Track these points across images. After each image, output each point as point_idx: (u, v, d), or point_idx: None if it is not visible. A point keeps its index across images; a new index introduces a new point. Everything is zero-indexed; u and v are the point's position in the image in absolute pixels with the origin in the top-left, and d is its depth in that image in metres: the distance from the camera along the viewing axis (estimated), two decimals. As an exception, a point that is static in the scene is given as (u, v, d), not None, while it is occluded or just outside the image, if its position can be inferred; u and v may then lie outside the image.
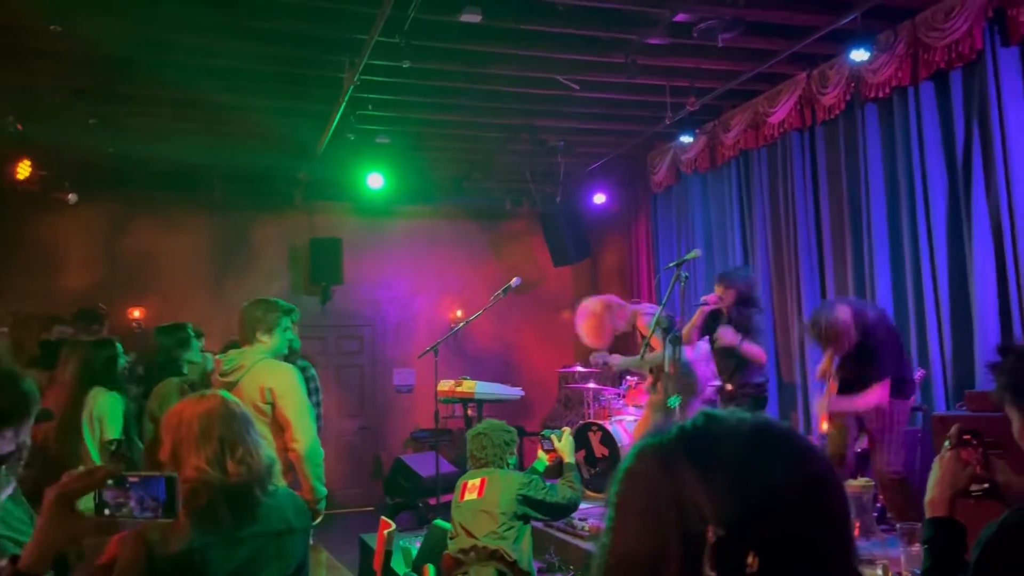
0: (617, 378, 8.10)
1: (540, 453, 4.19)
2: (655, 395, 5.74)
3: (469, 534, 3.67)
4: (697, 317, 5.74)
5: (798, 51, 5.81)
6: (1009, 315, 4.95)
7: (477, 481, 3.82)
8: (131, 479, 1.58)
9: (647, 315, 5.78)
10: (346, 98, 6.06)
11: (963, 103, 5.31)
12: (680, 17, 5.32)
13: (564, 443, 4.11)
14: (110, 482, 1.57)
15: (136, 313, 8.59)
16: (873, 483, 4.45)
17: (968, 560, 1.67)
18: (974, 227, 5.17)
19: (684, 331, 5.55)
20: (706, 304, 5.67)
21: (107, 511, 1.57)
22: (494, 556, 3.61)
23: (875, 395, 4.59)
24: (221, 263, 9.10)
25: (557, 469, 4.16)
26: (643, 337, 5.51)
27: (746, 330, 5.51)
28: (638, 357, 5.70)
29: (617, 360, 6.36)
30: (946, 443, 1.98)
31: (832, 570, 0.74)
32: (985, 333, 5.05)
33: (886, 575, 2.76)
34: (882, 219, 5.95)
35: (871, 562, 3.23)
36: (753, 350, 5.48)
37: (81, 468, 1.61)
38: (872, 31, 5.43)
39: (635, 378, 7.36)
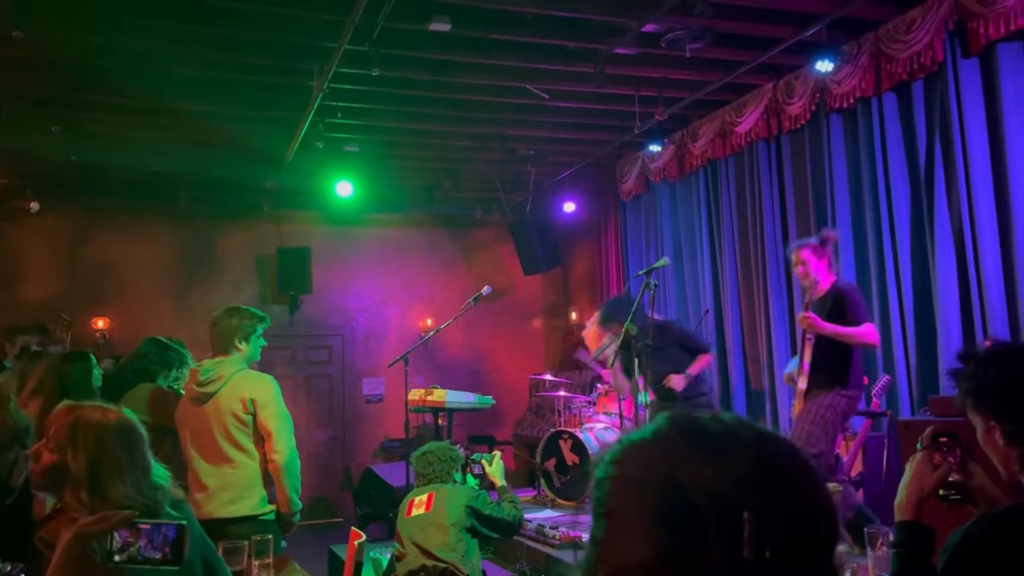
0: (588, 386, 8.11)
1: (469, 478, 4.20)
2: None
3: (421, 550, 3.65)
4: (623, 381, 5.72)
5: (764, 62, 5.89)
6: (971, 321, 5.05)
7: (424, 496, 3.83)
8: (143, 525, 1.58)
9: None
10: (315, 106, 6.03)
11: (925, 113, 5.41)
12: (648, 27, 5.37)
13: (495, 467, 4.15)
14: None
15: (100, 323, 8.45)
16: (842, 488, 4.48)
17: (936, 565, 1.69)
18: (937, 235, 5.27)
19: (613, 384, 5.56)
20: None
21: (118, 558, 1.56)
22: (445, 573, 3.59)
23: (861, 329, 4.48)
24: (187, 273, 8.98)
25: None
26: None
27: (689, 346, 5.56)
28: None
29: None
30: (918, 444, 1.98)
31: (827, 557, 0.74)
32: (948, 339, 5.14)
33: (854, 579, 2.78)
34: (847, 228, 6.03)
35: (840, 567, 3.25)
36: (702, 362, 5.55)
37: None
38: (836, 43, 5.52)
39: (605, 386, 7.37)
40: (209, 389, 3.67)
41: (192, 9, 5.06)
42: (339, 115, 6.53)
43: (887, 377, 5.48)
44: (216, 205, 8.86)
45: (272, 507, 3.70)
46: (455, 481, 3.95)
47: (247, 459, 3.65)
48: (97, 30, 5.18)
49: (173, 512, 2.06)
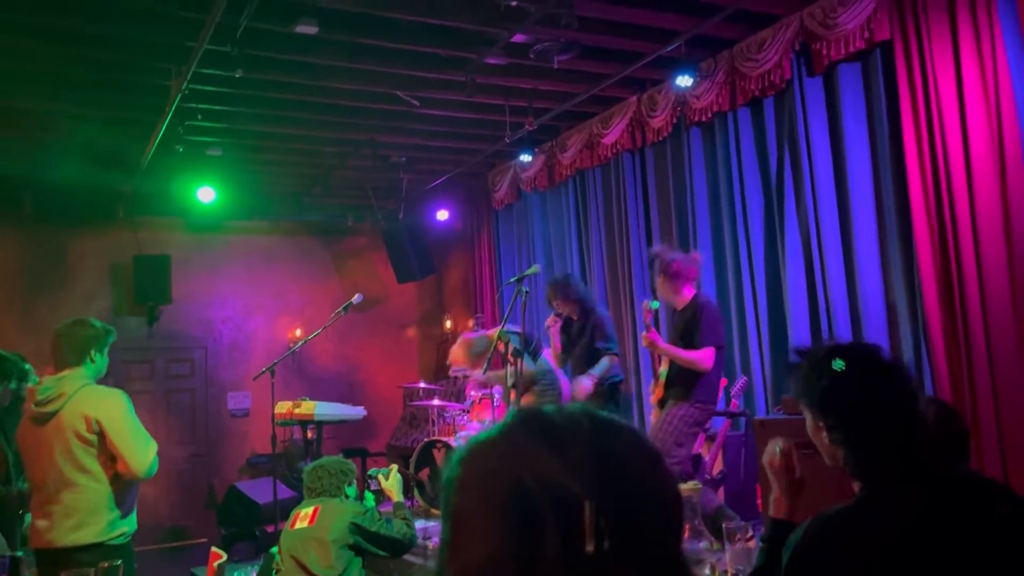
0: (461, 393, 8.11)
1: (367, 494, 4.13)
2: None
3: (298, 564, 3.55)
4: (554, 339, 5.94)
5: (629, 75, 6.09)
6: (818, 323, 5.38)
7: (310, 509, 3.73)
8: None
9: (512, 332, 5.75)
10: (173, 107, 5.75)
11: (775, 128, 5.74)
12: (518, 38, 5.44)
13: (392, 482, 4.08)
14: None
15: (-70, 339, 7.73)
16: (701, 486, 4.65)
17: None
18: (787, 241, 5.59)
19: (552, 357, 5.82)
20: (551, 326, 5.85)
21: None
22: None
23: (698, 354, 4.66)
24: (33, 282, 8.35)
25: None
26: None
27: (606, 339, 5.76)
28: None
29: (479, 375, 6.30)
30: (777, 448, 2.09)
31: (671, 547, 0.74)
32: (798, 340, 5.45)
33: (714, 574, 2.90)
34: (706, 234, 6.32)
35: (700, 562, 3.40)
36: (614, 360, 5.75)
37: None
38: (695, 59, 5.78)
39: (479, 393, 7.38)
40: (49, 408, 3.41)
41: (38, 1, 4.73)
42: (199, 117, 6.25)
43: (744, 378, 5.75)
44: (66, 210, 8.26)
45: (122, 530, 3.47)
46: (346, 496, 3.83)
47: (92, 482, 3.40)
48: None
49: None
